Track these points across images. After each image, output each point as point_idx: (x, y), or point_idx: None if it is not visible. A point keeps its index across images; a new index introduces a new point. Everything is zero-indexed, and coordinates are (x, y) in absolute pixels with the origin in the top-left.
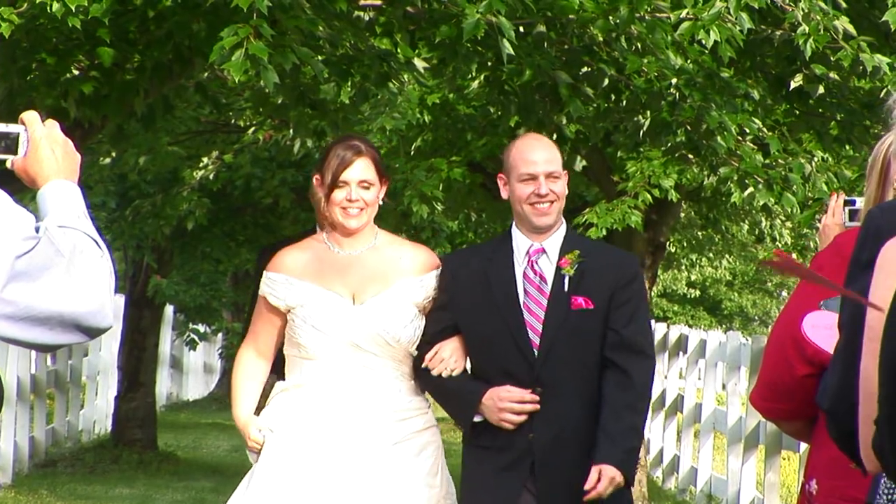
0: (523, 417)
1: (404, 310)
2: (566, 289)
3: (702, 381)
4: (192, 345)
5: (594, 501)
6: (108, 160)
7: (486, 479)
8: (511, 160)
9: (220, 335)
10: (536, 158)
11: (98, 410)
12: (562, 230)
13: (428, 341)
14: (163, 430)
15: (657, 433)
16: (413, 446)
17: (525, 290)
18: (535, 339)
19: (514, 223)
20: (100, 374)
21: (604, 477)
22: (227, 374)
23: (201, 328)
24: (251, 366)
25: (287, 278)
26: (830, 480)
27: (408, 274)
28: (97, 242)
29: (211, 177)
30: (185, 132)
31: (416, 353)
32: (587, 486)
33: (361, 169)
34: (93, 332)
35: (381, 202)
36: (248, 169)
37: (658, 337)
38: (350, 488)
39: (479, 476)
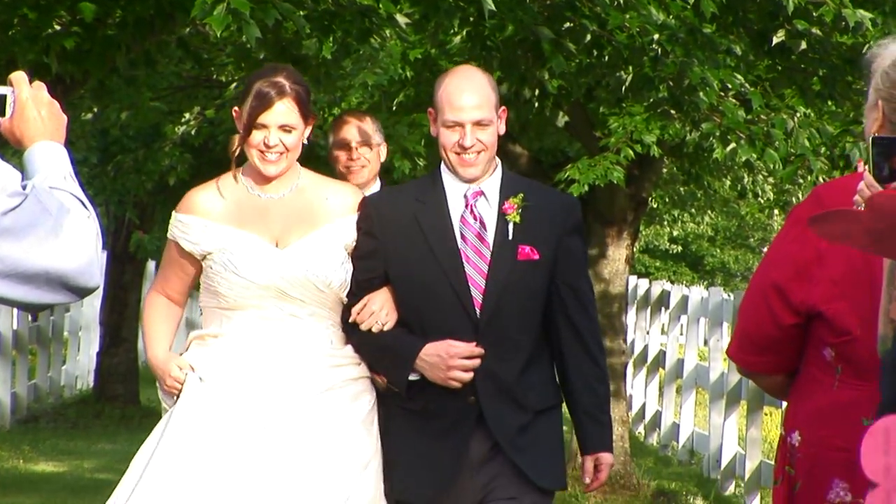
0: (471, 375)
1: (333, 252)
2: (511, 236)
3: (684, 337)
4: None
5: None
6: (90, 116)
7: (419, 446)
8: (438, 99)
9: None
10: (463, 103)
11: (80, 366)
12: (498, 170)
13: (355, 293)
14: (145, 386)
15: (639, 389)
16: (347, 393)
17: (463, 237)
18: (478, 296)
19: (441, 164)
20: (82, 330)
21: (602, 466)
22: None
23: None
24: (163, 307)
25: (202, 221)
26: (815, 430)
27: (335, 215)
28: (84, 203)
29: (193, 132)
30: (166, 87)
31: (346, 300)
32: (588, 479)
33: (282, 112)
34: (80, 292)
35: (306, 141)
36: (230, 124)
37: (640, 293)
38: (280, 437)
39: (411, 443)
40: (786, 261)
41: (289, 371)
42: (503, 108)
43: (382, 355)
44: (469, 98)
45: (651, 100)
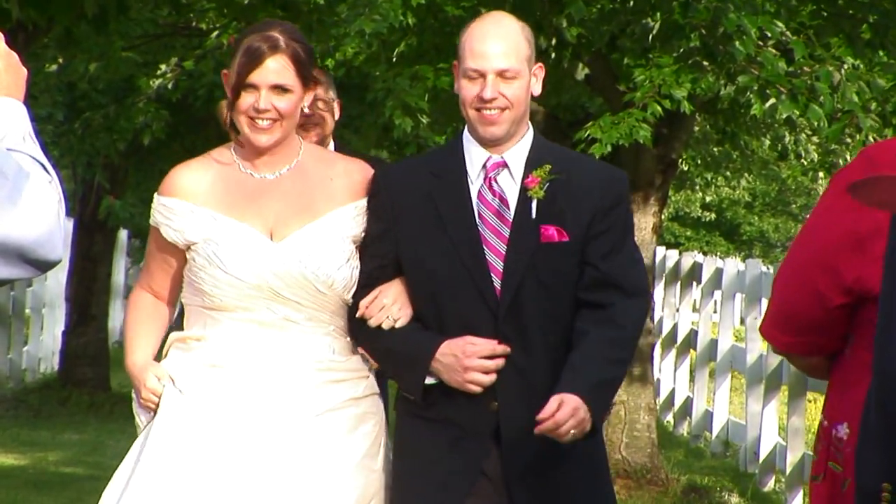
0: (493, 378)
1: (337, 246)
2: (534, 215)
3: (718, 315)
4: None
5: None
6: (54, 67)
7: (428, 459)
8: (461, 47)
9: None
10: (487, 50)
11: (44, 347)
12: (527, 138)
13: (364, 283)
14: (116, 369)
15: (668, 373)
16: (346, 418)
17: (481, 217)
18: (497, 283)
19: (465, 127)
20: (46, 307)
21: (565, 405)
22: None
23: None
24: (147, 307)
25: (187, 205)
26: None
27: (341, 199)
28: (45, 166)
29: (170, 86)
30: (140, 36)
31: (351, 301)
32: (542, 415)
33: (275, 70)
34: (40, 265)
35: (304, 110)
36: (212, 77)
37: (669, 265)
38: (266, 466)
39: (420, 456)
40: (837, 234)
41: (281, 388)
42: (539, 64)
43: (394, 357)
44: (494, 45)
45: (681, 50)
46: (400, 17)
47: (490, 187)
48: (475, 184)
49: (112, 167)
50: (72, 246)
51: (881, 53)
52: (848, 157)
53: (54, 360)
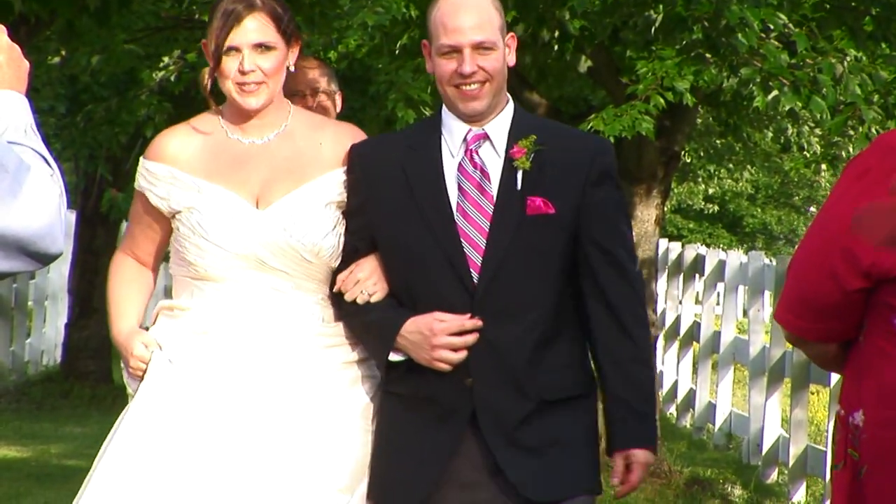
0: (463, 355)
1: (323, 213)
2: (519, 187)
3: (720, 307)
4: None
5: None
6: (56, 60)
7: (405, 439)
8: (432, 24)
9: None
10: (460, 23)
11: (46, 339)
12: (508, 110)
13: (342, 259)
14: (118, 362)
15: (671, 365)
16: (341, 380)
17: (461, 190)
18: (476, 258)
19: (443, 104)
20: (48, 299)
21: (636, 466)
22: None
23: None
24: (132, 272)
25: (171, 171)
26: (882, 410)
27: (329, 164)
28: (47, 160)
29: (172, 78)
30: (143, 28)
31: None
32: (616, 480)
33: (255, 28)
34: (40, 258)
35: (290, 68)
36: None
37: (672, 257)
38: (265, 433)
39: (396, 435)
40: (853, 217)
41: (272, 355)
42: (511, 34)
43: (365, 331)
44: (467, 17)
45: (684, 42)
46: (402, 10)
47: (471, 160)
48: (456, 157)
49: (114, 160)
50: (74, 238)
51: (884, 46)
52: (851, 150)
53: (57, 353)
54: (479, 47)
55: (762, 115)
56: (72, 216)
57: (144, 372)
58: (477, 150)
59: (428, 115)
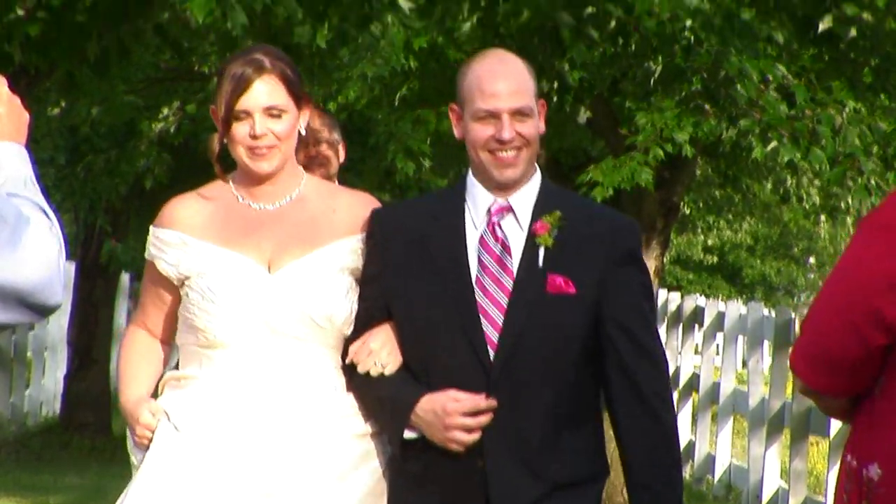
0: (477, 436)
1: (336, 278)
2: (541, 264)
3: (720, 358)
4: None
5: None
6: (56, 111)
7: None
8: (466, 89)
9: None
10: (498, 90)
11: (45, 391)
12: (535, 181)
13: (356, 327)
14: (118, 414)
15: None
16: (351, 454)
17: (481, 263)
18: (493, 335)
19: (469, 170)
20: (47, 350)
21: None
22: None
23: None
24: (143, 344)
25: (181, 236)
26: None
27: (343, 232)
28: (46, 212)
29: (172, 129)
30: (142, 80)
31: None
32: None
33: (265, 92)
34: (39, 310)
35: (301, 131)
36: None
37: (671, 308)
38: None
39: None
40: (877, 273)
41: (285, 423)
42: (541, 100)
43: (379, 406)
44: (505, 82)
45: (683, 93)
46: (402, 61)
47: (493, 232)
48: (478, 228)
49: (114, 211)
50: (73, 290)
51: (883, 97)
52: (850, 201)
53: (56, 404)
54: (518, 113)
55: (761, 166)
56: (71, 267)
57: (150, 441)
58: (500, 223)
59: (427, 166)
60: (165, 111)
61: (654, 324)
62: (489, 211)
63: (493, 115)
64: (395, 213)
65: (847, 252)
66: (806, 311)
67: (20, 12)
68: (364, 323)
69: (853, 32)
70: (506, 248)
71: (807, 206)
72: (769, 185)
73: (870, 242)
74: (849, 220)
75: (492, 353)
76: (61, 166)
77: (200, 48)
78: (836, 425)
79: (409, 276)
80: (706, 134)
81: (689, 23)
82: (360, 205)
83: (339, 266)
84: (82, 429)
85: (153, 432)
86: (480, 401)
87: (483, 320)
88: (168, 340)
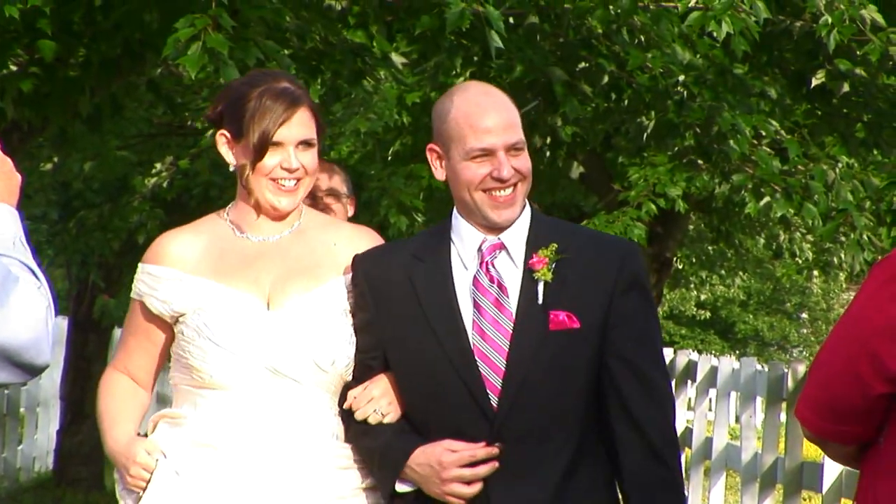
0: (476, 488)
1: (341, 319)
2: (541, 300)
3: (712, 413)
4: None
5: None
6: (49, 166)
7: None
8: (451, 126)
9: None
10: (490, 124)
11: (38, 446)
12: (525, 215)
13: (355, 375)
14: (111, 469)
15: None
16: None
17: (476, 306)
18: (495, 380)
19: (455, 209)
20: (40, 406)
21: None
22: None
23: None
24: (124, 387)
25: (174, 272)
26: None
27: (345, 267)
28: (34, 272)
29: (165, 185)
30: (135, 135)
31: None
32: None
33: (301, 123)
34: (28, 370)
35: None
36: (207, 176)
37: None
38: None
39: None
40: (881, 322)
41: (282, 475)
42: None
43: (371, 457)
44: (496, 116)
45: (676, 148)
46: (395, 116)
47: (487, 272)
48: (470, 269)
49: (106, 266)
50: (66, 345)
51: (875, 152)
52: (843, 256)
53: (48, 460)
54: (513, 148)
55: (754, 221)
56: (64, 322)
57: (147, 482)
58: (493, 262)
59: (420, 220)
60: (158, 166)
61: (660, 355)
62: (480, 250)
63: (488, 153)
64: (377, 259)
65: (854, 301)
66: (800, 366)
67: (13, 67)
68: (362, 371)
69: (846, 87)
70: (502, 287)
71: (799, 262)
72: (762, 241)
73: (875, 291)
74: (841, 275)
75: (494, 400)
76: (54, 221)
77: (193, 103)
78: (828, 480)
79: (400, 325)
80: (699, 189)
81: (681, 78)
82: (361, 238)
83: (342, 307)
84: (76, 484)
85: (150, 473)
86: (478, 450)
87: (482, 365)
88: (150, 386)
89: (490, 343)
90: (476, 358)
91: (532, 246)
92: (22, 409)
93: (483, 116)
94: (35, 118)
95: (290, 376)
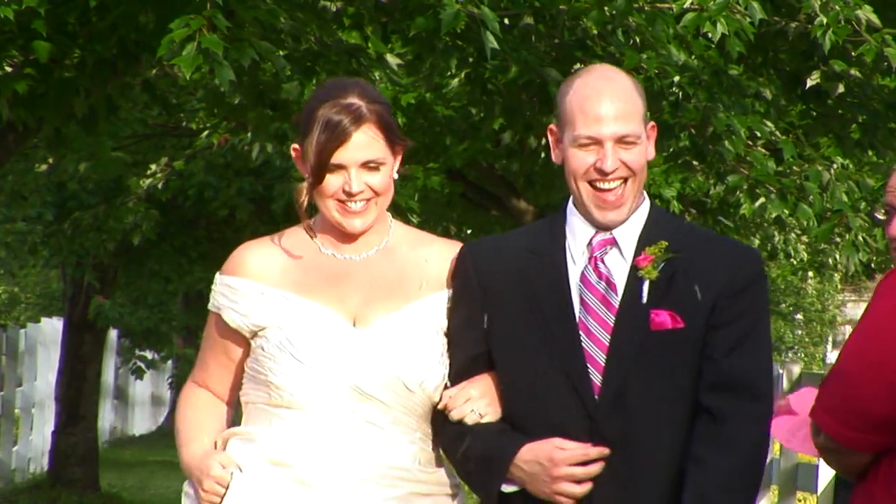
0: (587, 487)
1: (431, 338)
2: (644, 299)
3: None
4: (139, 373)
5: None
6: (44, 167)
7: None
8: (566, 109)
9: (169, 363)
10: (602, 111)
11: (33, 447)
12: (642, 210)
13: (453, 375)
14: (106, 469)
15: None
16: None
17: (583, 303)
18: (596, 378)
19: (569, 200)
20: (35, 407)
21: None
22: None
23: (149, 355)
24: (205, 401)
25: (257, 286)
26: None
27: (437, 284)
28: None
29: (160, 186)
30: (130, 136)
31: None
32: None
33: (364, 144)
34: None
35: (395, 175)
36: (202, 177)
37: None
38: None
39: None
40: None
41: (367, 499)
42: (652, 123)
43: (469, 458)
44: (610, 104)
45: (671, 149)
46: None
47: (595, 268)
48: (578, 264)
49: (101, 267)
50: (61, 346)
51: (870, 153)
52: (838, 257)
53: (44, 461)
54: (622, 141)
55: (749, 222)
56: (59, 323)
57: (222, 498)
58: (602, 258)
59: (415, 222)
60: (153, 167)
61: (758, 358)
62: (590, 244)
63: (596, 142)
64: (488, 249)
65: (873, 309)
66: (795, 368)
67: (8, 69)
68: (463, 372)
69: (841, 88)
70: (610, 284)
71: (794, 263)
72: (757, 241)
73: None
74: (836, 276)
75: (596, 399)
76: (49, 222)
77: (188, 104)
78: (823, 481)
79: (509, 319)
80: (694, 190)
81: (677, 79)
82: (453, 253)
83: (434, 325)
84: (71, 485)
85: (225, 487)
86: (590, 449)
87: (587, 364)
88: (232, 401)
89: (594, 340)
90: (584, 357)
91: (644, 243)
92: (17, 410)
93: (596, 102)
94: (30, 119)
95: (376, 396)
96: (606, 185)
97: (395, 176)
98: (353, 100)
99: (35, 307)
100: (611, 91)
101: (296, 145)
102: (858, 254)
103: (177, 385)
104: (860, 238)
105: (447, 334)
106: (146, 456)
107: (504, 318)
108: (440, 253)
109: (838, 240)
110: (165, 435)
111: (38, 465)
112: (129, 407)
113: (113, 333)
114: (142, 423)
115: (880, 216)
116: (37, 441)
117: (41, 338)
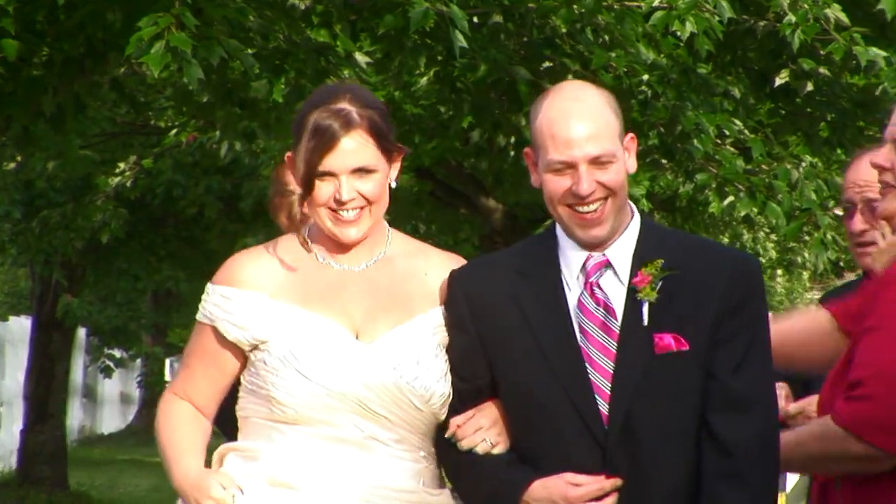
0: None
1: (435, 353)
2: (645, 322)
3: None
4: (108, 372)
5: None
6: (12, 165)
7: None
8: (536, 132)
9: (138, 361)
10: (572, 134)
11: (1, 445)
12: (633, 227)
13: (456, 406)
14: (74, 468)
15: None
16: None
17: (582, 330)
18: (603, 406)
19: (554, 224)
20: (3, 405)
21: None
22: (147, 405)
23: (117, 353)
24: (187, 415)
25: (256, 296)
26: None
27: (438, 298)
28: None
29: (128, 184)
30: (98, 134)
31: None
32: None
33: (353, 150)
34: None
35: (392, 184)
36: (170, 175)
37: None
38: None
39: None
40: None
41: None
42: (630, 135)
43: (479, 489)
44: (579, 126)
45: (640, 148)
46: None
47: (592, 294)
48: (573, 290)
49: (70, 265)
50: (29, 344)
51: (839, 151)
52: (806, 255)
53: (12, 459)
54: (596, 162)
55: (718, 220)
56: (27, 322)
57: None
58: (598, 282)
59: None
60: (122, 166)
61: (758, 376)
62: (584, 268)
63: (569, 166)
64: (477, 274)
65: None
66: None
67: None
68: (465, 403)
69: (810, 87)
70: (609, 310)
71: (763, 261)
72: (726, 240)
73: None
74: (805, 274)
75: (604, 427)
76: (17, 221)
77: (156, 102)
78: (792, 480)
79: (505, 346)
80: (663, 188)
81: (645, 77)
82: (452, 266)
83: (436, 340)
84: (39, 483)
85: None
86: (605, 482)
87: (594, 393)
88: (211, 414)
89: (597, 368)
90: (591, 385)
91: (639, 260)
92: None
93: (565, 125)
94: None
95: (381, 413)
96: (585, 210)
97: (393, 184)
98: (343, 105)
99: (3, 305)
100: (579, 112)
101: (289, 154)
102: (827, 252)
103: (146, 384)
104: (829, 236)
105: (447, 360)
106: (115, 454)
107: (500, 347)
108: (440, 266)
109: (807, 238)
110: (134, 433)
111: (7, 463)
112: (98, 405)
113: (81, 332)
114: (111, 421)
115: (839, 212)
116: (5, 439)
117: (9, 336)
